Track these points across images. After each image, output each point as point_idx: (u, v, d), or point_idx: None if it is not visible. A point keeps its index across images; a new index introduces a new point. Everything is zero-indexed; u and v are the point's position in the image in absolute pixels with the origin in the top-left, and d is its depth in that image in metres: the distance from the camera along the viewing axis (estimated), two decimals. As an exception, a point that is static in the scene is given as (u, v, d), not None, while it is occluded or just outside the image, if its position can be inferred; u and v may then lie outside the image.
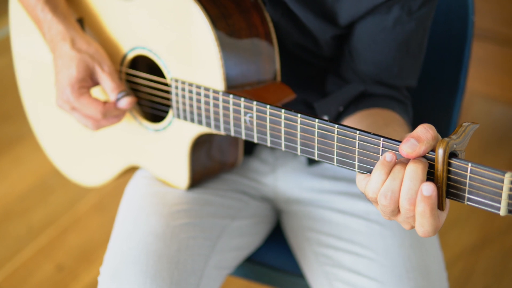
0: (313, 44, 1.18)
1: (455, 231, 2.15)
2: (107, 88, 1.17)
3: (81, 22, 1.25)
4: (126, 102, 1.17)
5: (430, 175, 0.84)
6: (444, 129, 1.40)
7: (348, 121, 1.17)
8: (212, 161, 1.23)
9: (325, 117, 1.21)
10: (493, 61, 2.63)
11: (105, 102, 1.16)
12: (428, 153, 0.84)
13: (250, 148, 1.32)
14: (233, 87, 1.09)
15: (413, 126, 1.18)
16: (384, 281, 1.13)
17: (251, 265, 1.35)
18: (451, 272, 1.50)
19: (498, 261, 2.06)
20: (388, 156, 0.85)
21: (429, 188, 0.81)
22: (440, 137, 0.85)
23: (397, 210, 0.86)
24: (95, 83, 1.19)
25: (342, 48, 1.20)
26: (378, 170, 0.85)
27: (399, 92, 1.19)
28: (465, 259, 2.06)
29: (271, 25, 1.12)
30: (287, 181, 1.33)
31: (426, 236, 0.84)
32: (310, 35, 1.17)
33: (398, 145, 0.85)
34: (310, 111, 1.27)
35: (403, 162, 0.85)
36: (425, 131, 0.83)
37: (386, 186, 0.84)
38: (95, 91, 1.26)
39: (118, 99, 1.17)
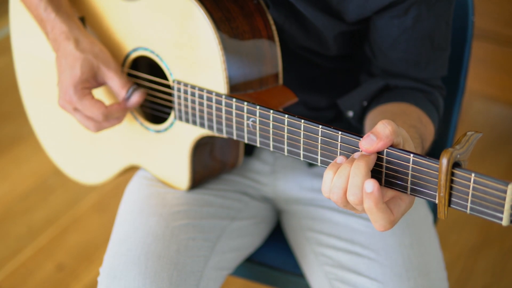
0: (318, 45, 1.19)
1: (455, 231, 2.15)
2: (116, 86, 1.16)
3: (82, 21, 1.25)
4: (137, 97, 1.16)
5: (434, 184, 0.84)
6: (444, 129, 1.40)
7: (368, 116, 1.18)
8: (213, 162, 1.23)
9: (350, 113, 1.23)
10: (493, 61, 2.63)
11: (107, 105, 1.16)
12: (388, 148, 0.87)
13: (250, 148, 1.32)
14: (235, 90, 1.09)
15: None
16: (384, 281, 1.13)
17: (251, 265, 1.35)
18: (451, 272, 1.50)
19: (497, 261, 2.06)
20: (339, 158, 0.89)
21: (369, 185, 0.84)
22: (399, 130, 0.88)
23: (349, 204, 0.89)
24: (99, 83, 1.18)
25: (359, 47, 1.21)
26: (328, 171, 0.89)
27: (426, 83, 1.19)
28: (465, 259, 2.06)
29: (274, 28, 1.12)
30: (287, 181, 1.33)
31: (383, 230, 0.87)
32: (315, 36, 1.17)
33: (403, 155, 0.87)
34: (310, 113, 1.27)
35: (350, 160, 0.88)
36: (384, 127, 0.86)
37: (333, 183, 0.87)
38: (97, 94, 1.26)
39: (129, 95, 1.16)
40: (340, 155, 0.92)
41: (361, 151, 0.88)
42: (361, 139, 0.88)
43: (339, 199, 0.88)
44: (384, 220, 0.86)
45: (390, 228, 0.87)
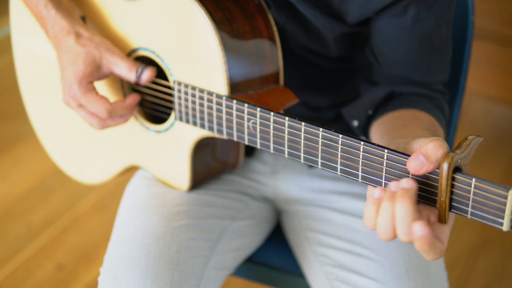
0: (319, 45, 1.18)
1: (455, 231, 2.15)
2: (123, 70, 1.14)
3: (83, 20, 1.25)
4: (147, 74, 1.14)
5: (434, 188, 0.84)
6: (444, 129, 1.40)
7: (375, 124, 1.16)
8: (213, 163, 1.23)
9: (355, 122, 1.21)
10: (493, 61, 2.63)
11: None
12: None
13: (250, 149, 1.32)
14: (236, 90, 1.09)
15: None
16: (384, 281, 1.13)
17: (251, 265, 1.35)
18: (451, 272, 1.50)
19: (497, 261, 2.06)
20: (377, 192, 0.85)
21: (419, 229, 0.79)
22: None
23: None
24: (104, 74, 1.16)
25: (360, 49, 1.21)
26: (369, 206, 0.85)
27: (429, 88, 1.18)
28: (465, 259, 2.06)
29: (275, 28, 1.12)
30: (287, 181, 1.33)
31: (435, 260, 0.84)
32: (315, 36, 1.17)
33: (402, 158, 0.86)
34: (311, 114, 1.27)
35: (390, 196, 0.83)
36: (436, 150, 0.82)
37: (379, 224, 0.83)
38: (101, 92, 1.25)
39: (139, 75, 1.15)
40: (342, 158, 0.92)
41: (409, 175, 0.85)
42: (408, 158, 0.84)
43: (389, 238, 0.84)
44: (436, 252, 0.82)
45: (441, 257, 0.83)
